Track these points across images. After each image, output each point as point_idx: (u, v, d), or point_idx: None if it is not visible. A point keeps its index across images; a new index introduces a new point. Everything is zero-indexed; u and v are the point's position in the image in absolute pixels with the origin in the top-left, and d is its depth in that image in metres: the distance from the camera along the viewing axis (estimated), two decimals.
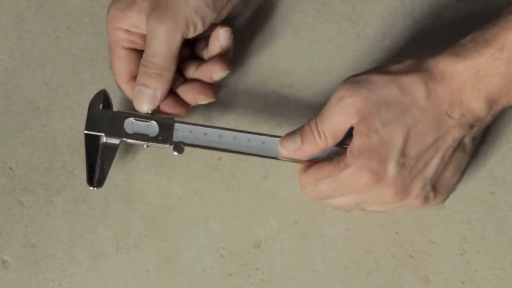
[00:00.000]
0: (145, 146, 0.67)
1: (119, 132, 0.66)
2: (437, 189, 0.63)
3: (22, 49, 0.73)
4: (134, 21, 0.66)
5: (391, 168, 0.60)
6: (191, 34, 0.65)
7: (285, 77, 0.73)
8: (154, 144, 0.66)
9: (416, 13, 0.73)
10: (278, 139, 0.64)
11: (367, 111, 0.60)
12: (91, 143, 0.66)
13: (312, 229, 0.69)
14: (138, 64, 0.67)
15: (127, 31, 0.66)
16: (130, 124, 0.66)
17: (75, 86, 0.72)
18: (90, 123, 0.65)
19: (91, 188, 0.66)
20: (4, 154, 0.71)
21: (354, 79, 0.61)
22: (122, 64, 0.67)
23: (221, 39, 0.67)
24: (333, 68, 0.73)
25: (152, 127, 0.66)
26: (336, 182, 0.62)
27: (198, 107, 0.70)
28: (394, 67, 0.61)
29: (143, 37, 0.67)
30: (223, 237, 0.69)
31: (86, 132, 0.65)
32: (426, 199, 0.62)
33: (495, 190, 0.70)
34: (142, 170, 0.71)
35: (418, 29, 0.73)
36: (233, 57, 0.70)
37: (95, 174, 0.66)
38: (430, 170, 0.61)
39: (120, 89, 0.69)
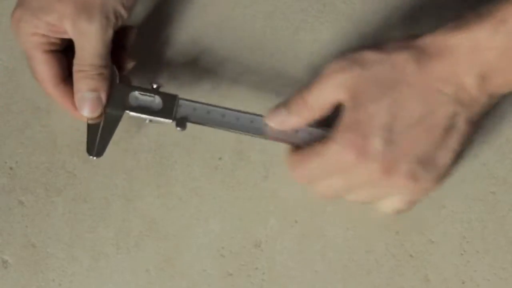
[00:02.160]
0: (147, 121, 0.66)
1: (123, 104, 0.65)
2: (427, 168, 0.61)
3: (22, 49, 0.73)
4: (51, 25, 0.64)
5: (376, 143, 0.59)
6: (118, 25, 0.65)
7: (285, 77, 0.73)
8: (157, 118, 0.65)
9: (416, 13, 0.73)
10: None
11: (357, 88, 0.59)
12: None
13: (312, 229, 0.69)
14: (62, 66, 0.66)
15: (44, 35, 0.65)
16: (135, 97, 0.66)
17: None
18: None
19: (90, 157, 0.65)
20: (4, 154, 0.71)
21: (348, 56, 0.60)
22: (47, 68, 0.66)
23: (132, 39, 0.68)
24: None
25: (156, 102, 0.65)
26: (323, 160, 0.61)
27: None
28: (389, 44, 0.61)
29: (62, 38, 0.66)
30: (223, 237, 0.69)
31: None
32: (414, 177, 0.60)
33: (495, 190, 0.70)
34: (142, 170, 0.71)
35: (418, 29, 0.73)
36: (232, 57, 0.71)
37: (96, 144, 0.65)
38: (418, 147, 0.60)
39: (49, 95, 0.67)
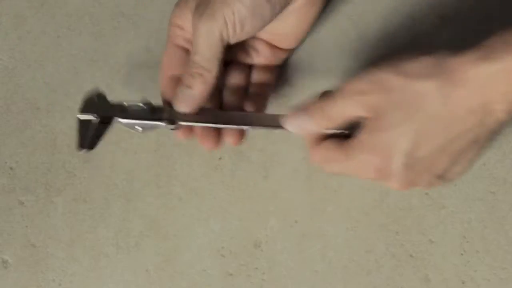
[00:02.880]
0: (140, 130, 0.65)
1: (113, 113, 0.64)
2: (442, 178, 0.62)
3: (22, 49, 0.73)
4: (187, 19, 0.66)
5: (396, 168, 0.60)
6: (231, 35, 0.64)
7: (285, 77, 0.73)
8: (148, 122, 0.64)
9: (416, 13, 0.73)
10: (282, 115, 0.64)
11: (380, 111, 0.60)
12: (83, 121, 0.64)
13: (312, 229, 0.70)
14: (181, 63, 0.66)
15: (182, 28, 0.67)
16: (124, 108, 0.64)
17: (75, 86, 0.72)
18: (85, 107, 0.64)
19: (82, 151, 0.63)
20: (4, 154, 0.71)
21: (372, 78, 0.60)
22: (167, 58, 0.67)
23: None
24: (333, 68, 0.73)
25: (144, 110, 0.64)
26: (343, 168, 0.63)
27: None
28: (411, 67, 0.60)
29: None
30: (223, 237, 0.69)
31: (79, 118, 0.64)
32: (430, 186, 0.63)
33: (495, 190, 0.70)
34: (142, 170, 0.71)
35: (418, 29, 0.73)
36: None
37: (87, 139, 0.63)
38: (437, 167, 0.61)
39: (160, 84, 0.68)
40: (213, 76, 0.64)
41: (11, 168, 0.71)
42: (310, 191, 0.70)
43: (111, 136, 0.71)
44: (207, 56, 0.64)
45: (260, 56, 0.69)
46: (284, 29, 0.68)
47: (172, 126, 0.64)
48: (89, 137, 0.64)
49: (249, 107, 0.67)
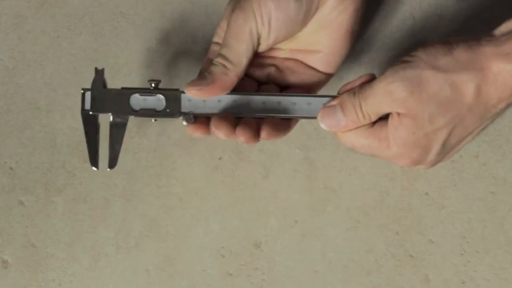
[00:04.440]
0: (153, 120, 0.65)
1: (126, 110, 0.63)
2: (450, 153, 0.65)
3: (22, 49, 0.73)
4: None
5: (431, 157, 0.63)
6: (260, 30, 0.63)
7: None
8: (163, 118, 0.64)
9: (416, 13, 0.73)
10: (299, 98, 0.64)
11: (416, 109, 0.60)
12: (89, 122, 0.64)
13: (312, 229, 0.69)
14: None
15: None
16: (136, 100, 0.64)
17: (75, 86, 0.72)
18: (95, 104, 0.63)
19: (94, 168, 0.63)
20: (4, 154, 0.71)
21: (406, 75, 0.60)
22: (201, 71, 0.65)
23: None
24: None
25: (159, 100, 0.64)
26: (373, 153, 0.63)
27: None
28: (445, 62, 0.60)
29: None
30: (223, 237, 0.69)
31: (92, 113, 0.63)
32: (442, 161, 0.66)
33: (495, 190, 0.70)
34: (142, 170, 0.71)
35: (418, 29, 0.73)
36: None
37: (97, 155, 0.63)
38: (458, 147, 0.64)
39: None
40: (237, 71, 0.63)
41: (11, 168, 0.71)
42: (310, 191, 0.70)
43: None
44: (234, 48, 0.63)
45: (295, 75, 0.67)
46: (318, 45, 0.66)
47: (185, 122, 0.63)
48: (109, 153, 0.63)
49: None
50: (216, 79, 0.62)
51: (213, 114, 0.63)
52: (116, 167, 0.70)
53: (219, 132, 0.62)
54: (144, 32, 0.73)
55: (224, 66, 0.63)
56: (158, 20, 0.74)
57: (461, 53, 0.60)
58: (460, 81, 0.60)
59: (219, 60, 0.63)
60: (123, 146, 0.69)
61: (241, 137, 0.62)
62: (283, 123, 0.64)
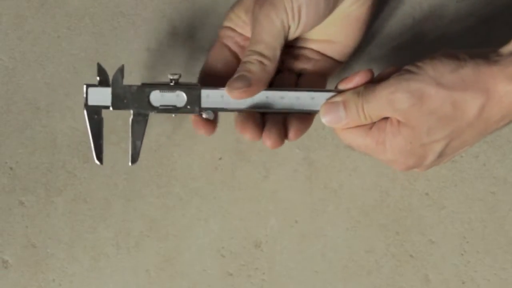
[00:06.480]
0: (173, 116, 0.65)
1: (146, 106, 0.63)
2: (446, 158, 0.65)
3: (22, 49, 0.73)
4: (240, 20, 0.65)
5: (427, 163, 0.63)
6: (291, 24, 0.63)
7: None
8: (183, 113, 0.64)
9: (416, 13, 0.73)
10: (310, 93, 0.64)
11: (416, 121, 0.61)
12: (93, 117, 0.63)
13: (312, 229, 0.69)
14: (225, 62, 0.66)
15: (233, 30, 0.66)
16: (156, 96, 0.63)
17: (75, 86, 0.72)
18: (116, 101, 0.63)
19: (98, 163, 0.63)
20: (4, 154, 0.71)
21: (410, 88, 0.60)
22: (213, 53, 0.66)
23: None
24: None
25: (180, 96, 0.63)
26: (370, 153, 0.63)
27: None
28: (451, 79, 0.60)
29: (244, 43, 0.66)
30: (223, 237, 0.69)
31: (112, 109, 0.63)
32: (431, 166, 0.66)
33: (495, 190, 0.70)
34: (142, 170, 0.71)
35: (418, 29, 0.73)
36: None
37: (102, 150, 0.63)
38: (455, 154, 0.64)
39: None
40: (273, 66, 0.63)
41: (11, 168, 0.71)
42: (310, 191, 0.70)
43: (111, 136, 0.71)
44: (269, 43, 0.63)
45: (310, 63, 0.68)
46: (335, 35, 0.67)
47: (205, 116, 0.63)
48: (130, 148, 0.63)
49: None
50: (257, 78, 0.63)
51: (229, 110, 0.63)
52: (116, 167, 0.70)
53: (245, 135, 0.63)
54: (144, 32, 0.73)
55: (262, 63, 0.63)
56: (158, 20, 0.74)
57: (468, 72, 0.60)
58: (462, 100, 0.60)
59: (256, 57, 0.63)
60: (123, 146, 0.70)
61: (267, 141, 0.63)
62: (308, 118, 0.65)
